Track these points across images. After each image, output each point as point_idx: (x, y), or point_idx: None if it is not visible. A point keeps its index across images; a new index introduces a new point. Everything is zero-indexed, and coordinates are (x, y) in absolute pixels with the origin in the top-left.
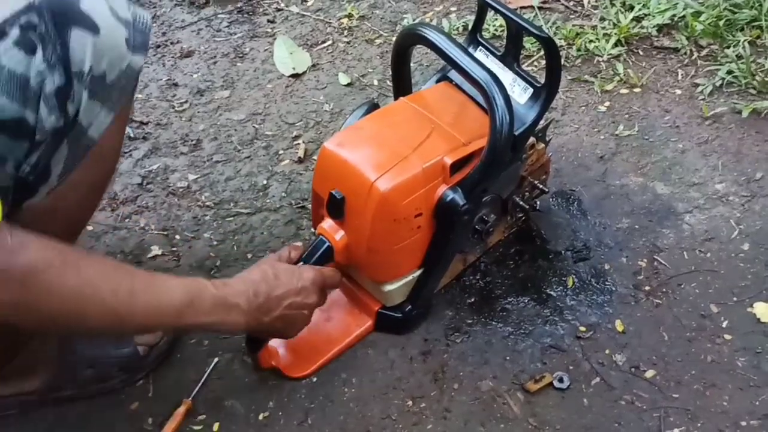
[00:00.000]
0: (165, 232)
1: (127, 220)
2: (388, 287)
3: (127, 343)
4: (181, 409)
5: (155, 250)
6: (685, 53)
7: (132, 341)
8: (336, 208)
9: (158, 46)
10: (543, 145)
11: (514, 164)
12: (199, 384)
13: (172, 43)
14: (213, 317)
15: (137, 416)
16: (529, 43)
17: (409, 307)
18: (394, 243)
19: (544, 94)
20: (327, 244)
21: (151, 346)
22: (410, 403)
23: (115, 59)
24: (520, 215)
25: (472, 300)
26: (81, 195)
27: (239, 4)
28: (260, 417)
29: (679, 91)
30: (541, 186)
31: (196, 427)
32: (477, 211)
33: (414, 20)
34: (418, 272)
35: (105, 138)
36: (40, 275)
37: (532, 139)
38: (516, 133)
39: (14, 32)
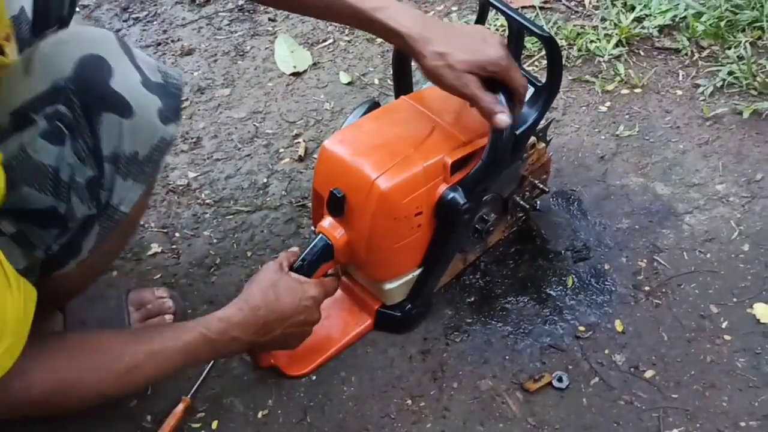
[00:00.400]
0: (165, 230)
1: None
2: (388, 286)
3: None
4: (180, 407)
5: (155, 248)
6: (686, 54)
7: None
8: (336, 206)
9: (159, 44)
10: (543, 144)
11: (515, 163)
12: (198, 382)
13: (172, 41)
14: (214, 357)
15: (136, 414)
16: (530, 43)
17: (409, 305)
18: (394, 241)
19: (546, 93)
20: (327, 242)
21: None
22: (409, 401)
23: (147, 136)
24: (521, 215)
25: (472, 299)
26: (108, 255)
27: (240, 2)
28: (259, 415)
29: (679, 92)
30: (541, 186)
31: (194, 425)
32: (477, 210)
33: None
34: (418, 271)
35: (136, 207)
36: (48, 403)
37: (532, 139)
38: (517, 133)
39: (41, 123)
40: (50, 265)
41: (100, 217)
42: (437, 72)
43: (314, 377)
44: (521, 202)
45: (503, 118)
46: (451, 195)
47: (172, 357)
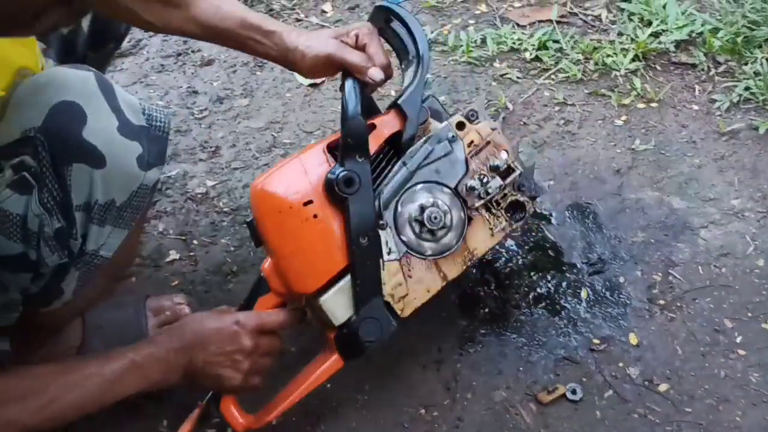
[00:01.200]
0: (183, 237)
1: (145, 224)
2: (323, 298)
3: None
4: (195, 413)
5: (173, 255)
6: (703, 69)
7: None
8: (254, 235)
9: (179, 54)
10: (482, 122)
11: (410, 137)
12: None
13: (192, 52)
14: (141, 386)
15: (153, 419)
16: (546, 57)
17: (355, 317)
18: (295, 238)
19: (415, 64)
20: (260, 275)
21: None
22: (423, 411)
23: (125, 184)
24: (508, 216)
25: (486, 310)
26: (102, 288)
27: (272, 6)
28: (273, 421)
29: (696, 107)
30: (499, 163)
31: (209, 431)
32: (371, 185)
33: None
34: (348, 276)
35: (120, 250)
36: None
37: (458, 118)
38: (399, 102)
39: (8, 172)
40: (36, 302)
41: (76, 264)
42: (308, 48)
43: (328, 385)
44: (477, 187)
45: (375, 71)
46: (330, 174)
47: (93, 388)
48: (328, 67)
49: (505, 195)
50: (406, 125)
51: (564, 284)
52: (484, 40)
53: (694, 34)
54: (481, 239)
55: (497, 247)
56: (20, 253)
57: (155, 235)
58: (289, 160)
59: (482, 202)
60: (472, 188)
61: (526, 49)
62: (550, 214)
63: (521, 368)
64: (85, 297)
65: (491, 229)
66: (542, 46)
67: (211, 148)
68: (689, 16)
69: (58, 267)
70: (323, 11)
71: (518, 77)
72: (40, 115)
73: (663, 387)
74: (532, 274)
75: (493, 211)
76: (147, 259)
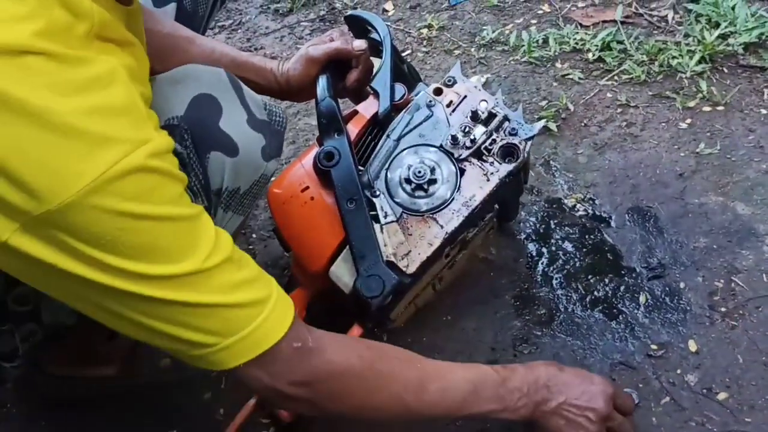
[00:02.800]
0: (242, 231)
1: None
2: (331, 270)
3: None
4: (252, 402)
5: None
6: None
7: None
8: (280, 240)
9: (242, 51)
10: (459, 83)
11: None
12: None
13: (256, 49)
14: (493, 405)
15: (210, 406)
16: (609, 58)
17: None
18: (300, 222)
19: (381, 48)
20: (289, 274)
21: None
22: None
23: (250, 173)
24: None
25: (542, 312)
26: None
27: (322, 13)
28: None
29: (764, 111)
30: (476, 109)
31: (264, 421)
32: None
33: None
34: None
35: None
36: (341, 378)
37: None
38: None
39: None
40: None
41: None
42: (292, 65)
43: None
44: (461, 137)
45: (357, 42)
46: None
47: (457, 381)
48: (312, 66)
49: (494, 140)
50: (380, 101)
51: (622, 288)
52: (546, 40)
53: (764, 37)
54: (477, 186)
55: (556, 249)
56: None
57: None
58: (293, 164)
59: (470, 151)
60: (456, 138)
61: (588, 50)
62: (610, 217)
63: None
64: None
65: (486, 175)
66: (605, 47)
67: None
68: (759, 18)
69: None
70: (385, 10)
71: (580, 78)
72: (182, 105)
73: (722, 395)
74: (589, 276)
75: (485, 157)
76: None
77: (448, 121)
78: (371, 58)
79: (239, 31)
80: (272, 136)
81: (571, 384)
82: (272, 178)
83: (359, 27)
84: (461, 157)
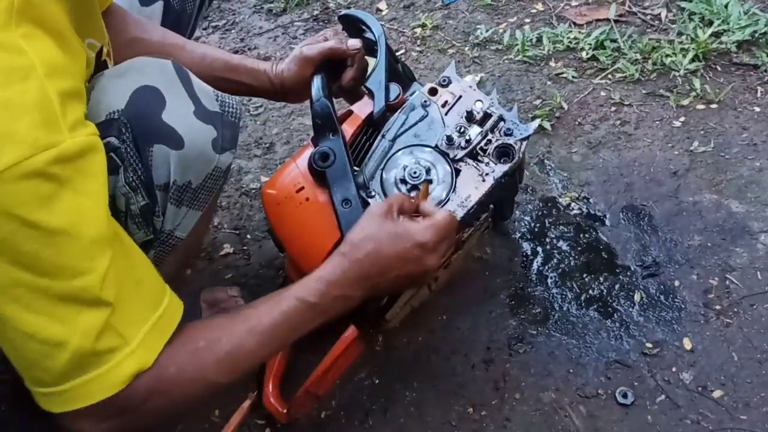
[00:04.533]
0: (237, 231)
1: (203, 242)
2: None
3: None
4: (247, 404)
5: (227, 248)
6: (766, 70)
7: None
8: (275, 241)
9: (236, 52)
10: (454, 84)
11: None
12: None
13: (249, 49)
14: (324, 320)
15: (205, 408)
16: (603, 56)
17: None
18: (295, 223)
19: (375, 48)
20: (284, 275)
21: None
22: (471, 410)
23: (201, 166)
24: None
25: (537, 311)
26: (170, 272)
27: (315, 13)
28: (322, 415)
29: (758, 109)
30: (472, 110)
31: (260, 422)
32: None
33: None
34: None
35: (192, 232)
36: (150, 405)
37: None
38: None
39: None
40: None
41: (154, 242)
42: (286, 65)
43: (377, 380)
44: (456, 137)
45: (352, 41)
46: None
47: (271, 331)
48: (306, 65)
49: (490, 141)
50: (374, 101)
51: (617, 287)
52: (539, 39)
53: (757, 35)
54: (473, 186)
55: (551, 248)
56: None
57: (210, 228)
58: (287, 164)
59: (465, 152)
60: (450, 139)
61: (582, 49)
62: (604, 216)
63: (571, 370)
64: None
65: (481, 175)
66: (599, 46)
67: (265, 144)
68: (752, 16)
69: (141, 245)
70: (378, 9)
71: (574, 77)
72: (123, 98)
73: (717, 393)
74: (584, 275)
75: (480, 158)
76: (201, 252)
77: (444, 122)
78: (365, 57)
79: (233, 31)
80: (225, 128)
81: (391, 255)
82: (229, 171)
83: (353, 26)
84: (456, 158)
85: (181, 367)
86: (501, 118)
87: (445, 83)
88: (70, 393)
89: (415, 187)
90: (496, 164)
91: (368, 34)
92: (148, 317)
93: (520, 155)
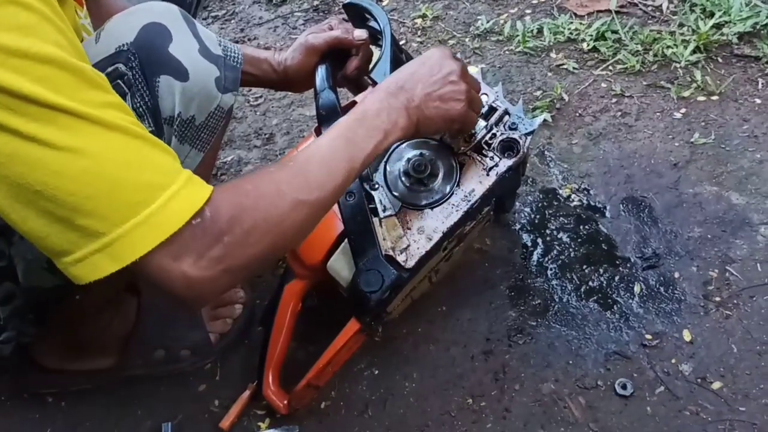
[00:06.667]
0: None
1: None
2: (329, 263)
3: (199, 328)
4: (246, 394)
5: None
6: (767, 62)
7: (204, 327)
8: None
9: (236, 42)
10: None
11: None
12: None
13: (249, 40)
14: (374, 139)
15: (204, 398)
16: (604, 47)
17: (356, 272)
18: None
19: (381, 38)
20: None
21: (222, 334)
22: (470, 400)
23: (204, 102)
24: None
25: (537, 302)
26: None
27: (315, 3)
28: (322, 405)
29: (758, 101)
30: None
31: (259, 412)
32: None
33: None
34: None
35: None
36: (242, 223)
37: None
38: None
39: None
40: None
41: None
42: (290, 53)
43: (377, 371)
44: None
45: (358, 32)
46: None
47: (331, 145)
48: (311, 54)
49: (495, 135)
50: None
51: (617, 278)
52: (540, 30)
53: (758, 26)
54: (477, 180)
55: (551, 239)
56: None
57: None
58: (289, 153)
59: (470, 146)
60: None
61: (583, 40)
62: (604, 207)
63: (570, 361)
64: None
65: (486, 169)
66: (600, 37)
67: (265, 135)
68: (754, 7)
69: None
70: (379, 0)
71: (575, 68)
72: (132, 32)
73: (716, 385)
74: (584, 267)
75: (485, 152)
76: None
77: None
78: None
79: (232, 21)
80: (227, 70)
81: (417, 71)
82: (231, 115)
83: (358, 15)
84: (460, 151)
85: (256, 185)
86: (506, 112)
87: None
88: (156, 218)
89: (419, 181)
90: (500, 158)
91: (372, 23)
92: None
93: (525, 150)
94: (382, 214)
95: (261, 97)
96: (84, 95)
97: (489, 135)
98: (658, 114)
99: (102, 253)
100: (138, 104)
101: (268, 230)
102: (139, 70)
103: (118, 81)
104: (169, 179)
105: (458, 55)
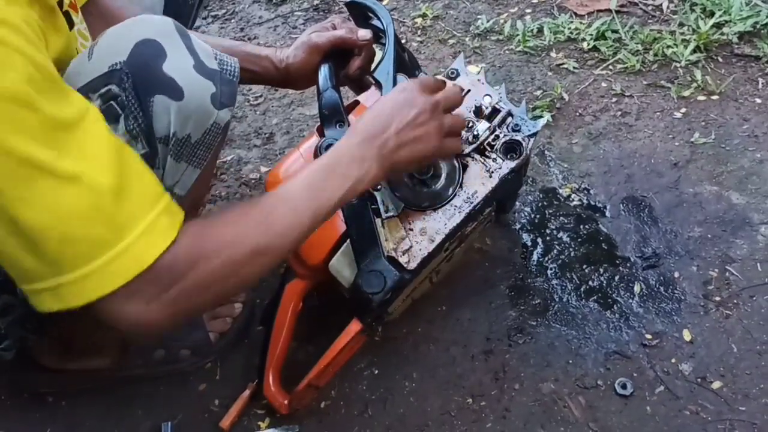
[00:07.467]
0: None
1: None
2: (330, 263)
3: (198, 328)
4: (246, 393)
5: None
6: (767, 61)
7: (204, 326)
8: None
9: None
10: (462, 77)
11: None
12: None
13: (249, 39)
14: (342, 188)
15: (204, 397)
16: (604, 47)
17: (358, 273)
18: None
19: (384, 37)
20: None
21: (221, 333)
22: (470, 400)
23: (200, 120)
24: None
25: (537, 302)
26: None
27: (315, 2)
28: (322, 405)
29: (759, 100)
30: (480, 105)
31: (259, 411)
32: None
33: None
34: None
35: (192, 190)
36: (199, 269)
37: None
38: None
39: (97, 102)
40: None
41: None
42: (293, 51)
43: (376, 371)
44: (464, 132)
45: (363, 32)
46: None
47: (299, 194)
48: (314, 53)
49: (498, 136)
50: (382, 92)
51: (617, 278)
52: (540, 30)
53: (758, 26)
54: (480, 182)
55: (551, 239)
56: None
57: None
58: (290, 152)
59: (473, 147)
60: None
61: (583, 39)
62: (604, 207)
63: (570, 361)
64: None
65: (488, 171)
66: (600, 36)
67: (265, 134)
68: (754, 6)
69: None
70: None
71: (575, 67)
72: (125, 50)
73: (716, 384)
74: (584, 266)
75: (488, 153)
76: None
77: None
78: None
79: (232, 20)
80: (224, 85)
81: (390, 113)
82: (228, 130)
83: (360, 14)
84: (464, 153)
85: (218, 230)
86: (509, 114)
87: (453, 76)
88: (105, 270)
89: (421, 182)
90: (503, 160)
91: (375, 22)
92: (156, 201)
93: (528, 152)
94: (384, 215)
95: (261, 96)
96: (45, 137)
97: (492, 136)
98: (658, 113)
99: (50, 292)
100: (132, 126)
101: (225, 277)
102: (132, 91)
103: (111, 102)
104: (123, 233)
105: (439, 75)
